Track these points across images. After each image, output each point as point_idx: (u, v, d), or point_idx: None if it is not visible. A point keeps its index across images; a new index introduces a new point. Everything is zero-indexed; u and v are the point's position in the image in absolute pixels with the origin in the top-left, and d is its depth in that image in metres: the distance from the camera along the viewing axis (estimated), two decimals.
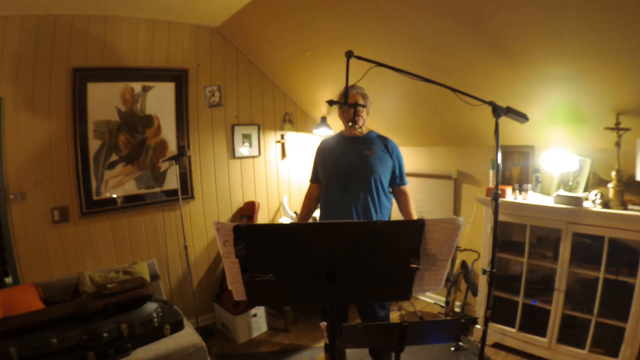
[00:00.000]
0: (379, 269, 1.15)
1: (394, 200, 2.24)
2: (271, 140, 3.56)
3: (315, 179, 2.33)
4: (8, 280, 2.57)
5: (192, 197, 3.09)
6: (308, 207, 2.38)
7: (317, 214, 3.17)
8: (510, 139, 2.63)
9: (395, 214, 2.35)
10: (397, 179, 2.17)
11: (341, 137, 2.22)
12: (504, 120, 1.60)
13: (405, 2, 2.02)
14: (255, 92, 3.40)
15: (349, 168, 2.08)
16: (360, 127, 2.09)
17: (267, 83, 3.47)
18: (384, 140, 2.17)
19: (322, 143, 2.30)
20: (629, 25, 1.58)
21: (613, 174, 2.10)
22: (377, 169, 2.07)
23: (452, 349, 2.58)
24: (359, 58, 1.58)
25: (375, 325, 1.51)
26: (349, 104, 1.94)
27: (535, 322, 2.45)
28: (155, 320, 2.17)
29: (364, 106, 2.09)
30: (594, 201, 2.13)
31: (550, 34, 1.79)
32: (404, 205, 2.21)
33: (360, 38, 2.43)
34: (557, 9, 1.65)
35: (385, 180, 2.12)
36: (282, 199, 3.62)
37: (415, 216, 2.20)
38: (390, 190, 2.20)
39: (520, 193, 2.48)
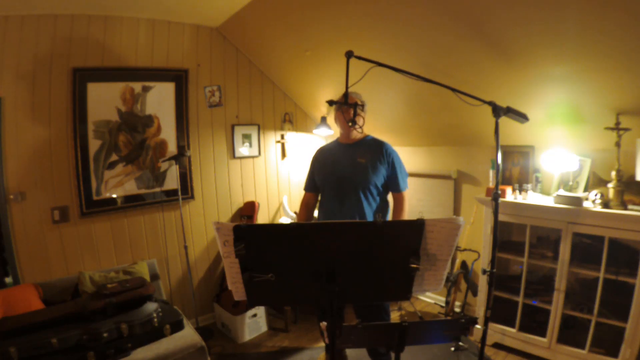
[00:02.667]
0: (379, 269, 1.15)
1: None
2: (271, 140, 3.56)
3: (310, 187, 2.29)
4: (8, 280, 2.57)
5: (192, 197, 3.09)
6: (305, 217, 2.33)
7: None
8: (510, 139, 2.63)
9: None
10: (392, 186, 2.11)
11: (336, 145, 2.21)
12: (504, 120, 1.60)
13: (405, 2, 2.02)
14: (255, 92, 3.40)
15: (342, 177, 2.07)
16: (360, 128, 2.09)
17: (267, 83, 3.47)
18: (380, 145, 2.11)
19: (318, 151, 2.28)
20: (629, 25, 1.58)
21: (613, 174, 2.10)
22: (370, 178, 2.04)
23: (452, 349, 2.58)
24: (359, 58, 1.58)
25: (375, 325, 1.51)
26: (348, 103, 1.94)
27: (535, 322, 2.45)
28: (155, 320, 2.17)
29: (363, 106, 2.09)
30: (594, 201, 2.13)
31: (550, 34, 1.79)
32: (395, 213, 2.14)
33: (360, 38, 2.43)
34: (557, 9, 1.66)
35: (380, 187, 2.09)
36: (282, 199, 3.63)
37: None
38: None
39: (520, 193, 2.48)
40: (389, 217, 2.23)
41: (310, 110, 3.72)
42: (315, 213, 2.38)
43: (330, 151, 2.21)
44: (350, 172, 2.06)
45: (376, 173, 2.06)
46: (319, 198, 2.28)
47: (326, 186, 2.15)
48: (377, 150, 2.10)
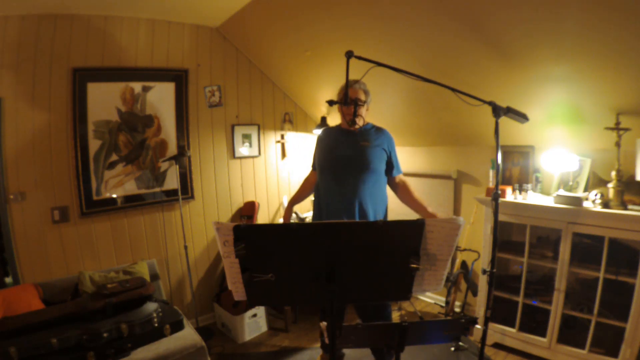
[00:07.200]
0: (379, 269, 1.15)
1: (390, 193, 2.23)
2: (271, 140, 3.56)
3: (315, 166, 2.36)
4: (8, 280, 2.57)
5: (192, 197, 3.09)
6: (303, 190, 2.43)
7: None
8: (510, 139, 2.63)
9: (395, 214, 2.35)
10: (393, 169, 2.18)
11: (339, 129, 2.25)
12: (504, 120, 1.60)
13: (405, 2, 2.02)
14: (255, 92, 3.40)
15: (344, 159, 2.09)
16: (360, 127, 2.11)
17: (267, 83, 3.47)
18: (380, 132, 2.19)
19: (322, 133, 2.33)
20: (628, 25, 1.58)
21: (613, 174, 2.10)
22: (373, 161, 2.09)
23: (452, 349, 2.58)
24: (359, 58, 1.58)
25: (375, 325, 1.51)
26: (349, 103, 1.95)
27: (535, 322, 2.45)
28: (155, 320, 2.17)
29: (364, 103, 2.10)
30: (594, 201, 2.13)
31: (550, 34, 1.79)
32: (407, 195, 2.17)
33: (360, 38, 2.43)
34: (556, 9, 1.66)
35: (381, 171, 2.13)
36: (282, 199, 3.63)
37: (424, 202, 2.12)
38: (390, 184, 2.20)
39: (520, 193, 2.48)
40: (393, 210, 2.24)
41: (310, 110, 3.72)
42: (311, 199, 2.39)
43: (332, 135, 2.26)
44: (352, 154, 2.09)
45: (379, 157, 2.11)
46: (318, 180, 2.29)
47: (326, 167, 2.18)
48: (379, 135, 2.17)
